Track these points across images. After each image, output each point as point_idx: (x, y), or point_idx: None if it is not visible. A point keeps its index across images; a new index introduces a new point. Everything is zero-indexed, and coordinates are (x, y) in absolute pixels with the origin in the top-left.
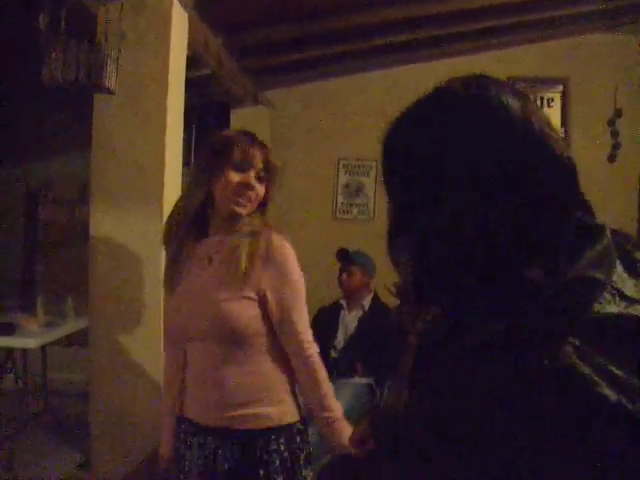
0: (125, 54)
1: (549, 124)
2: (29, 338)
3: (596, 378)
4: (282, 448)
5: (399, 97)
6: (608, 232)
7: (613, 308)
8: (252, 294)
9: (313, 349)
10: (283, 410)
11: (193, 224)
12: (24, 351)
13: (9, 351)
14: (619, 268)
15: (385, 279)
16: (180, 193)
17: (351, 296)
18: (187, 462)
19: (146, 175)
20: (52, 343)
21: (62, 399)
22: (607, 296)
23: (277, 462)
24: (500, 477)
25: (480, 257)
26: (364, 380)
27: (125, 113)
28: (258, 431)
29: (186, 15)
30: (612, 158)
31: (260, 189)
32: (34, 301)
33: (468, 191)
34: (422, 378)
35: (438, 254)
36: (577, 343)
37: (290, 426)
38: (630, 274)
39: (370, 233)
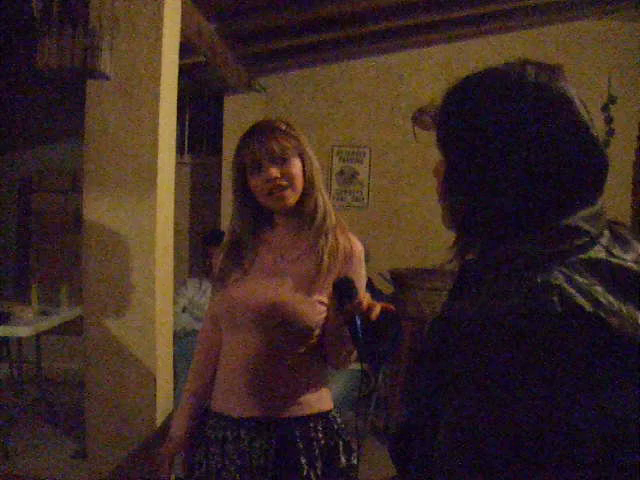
0: (118, 40)
1: (593, 122)
2: (23, 326)
3: (577, 294)
4: (320, 435)
5: (393, 84)
6: (601, 202)
7: (601, 255)
8: (325, 299)
9: None
10: (320, 397)
11: (260, 217)
12: (19, 340)
13: (3, 340)
14: (608, 236)
15: (378, 266)
16: (173, 180)
17: None
18: (217, 457)
19: (139, 162)
20: (47, 332)
21: (57, 388)
22: (598, 248)
23: (317, 450)
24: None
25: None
26: (359, 366)
27: (118, 100)
28: (297, 419)
29: (179, 1)
30: (606, 144)
31: (289, 169)
32: (28, 290)
33: (518, 158)
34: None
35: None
36: (566, 271)
37: (327, 413)
38: (619, 243)
39: (364, 219)
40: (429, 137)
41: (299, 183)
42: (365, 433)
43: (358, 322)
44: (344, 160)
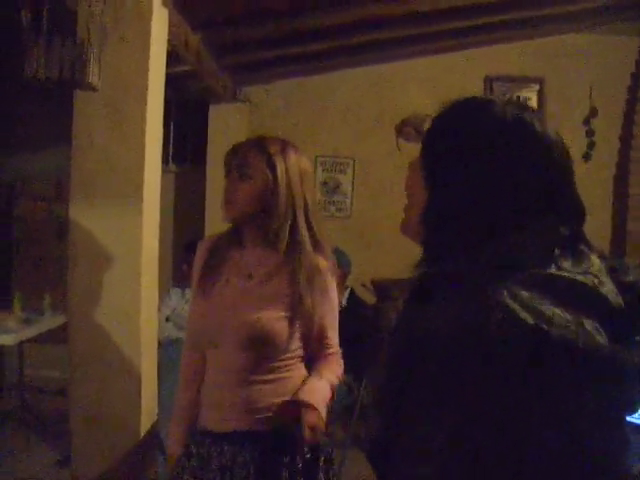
0: (106, 51)
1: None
2: (6, 335)
3: (520, 308)
4: (306, 450)
5: (377, 95)
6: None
7: (549, 270)
8: (292, 313)
9: (339, 354)
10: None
11: (233, 234)
12: (1, 348)
13: None
14: (558, 252)
15: (361, 275)
16: (159, 190)
17: None
18: (198, 471)
19: (125, 172)
20: (29, 340)
21: (39, 396)
22: (547, 263)
23: (300, 464)
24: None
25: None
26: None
27: (105, 111)
28: (283, 431)
29: (166, 11)
30: (587, 157)
31: (241, 188)
32: (11, 297)
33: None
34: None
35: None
36: (512, 287)
37: None
38: (573, 258)
39: (348, 230)
40: (412, 148)
41: (243, 204)
42: (348, 443)
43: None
44: (328, 171)
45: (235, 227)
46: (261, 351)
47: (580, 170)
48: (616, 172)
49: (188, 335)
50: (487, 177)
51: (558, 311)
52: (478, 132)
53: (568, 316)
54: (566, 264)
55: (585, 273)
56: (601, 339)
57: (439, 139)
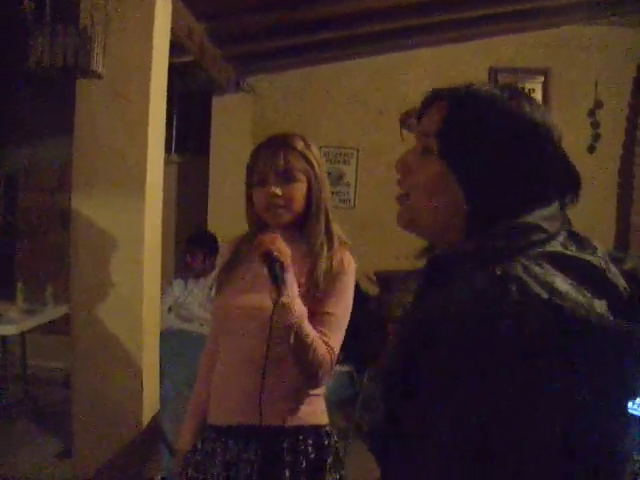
0: (109, 39)
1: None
2: (8, 325)
3: (534, 283)
4: (310, 450)
5: (382, 85)
6: (557, 205)
7: (558, 249)
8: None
9: (332, 354)
10: (314, 410)
11: (257, 233)
12: (3, 338)
13: None
14: (565, 235)
15: (365, 267)
16: (162, 180)
17: None
18: (201, 466)
19: (128, 162)
20: (32, 330)
21: (42, 386)
22: (554, 243)
23: (303, 464)
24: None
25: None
26: (345, 368)
27: (108, 99)
28: (287, 429)
29: (170, 0)
30: (592, 149)
31: (291, 190)
32: (13, 288)
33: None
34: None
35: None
36: (525, 262)
37: (319, 427)
38: (574, 243)
39: (351, 221)
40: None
41: (297, 205)
42: (350, 434)
43: (274, 261)
44: (331, 161)
45: (259, 226)
46: (277, 340)
47: (585, 162)
48: (621, 165)
49: (212, 334)
50: (501, 163)
51: (570, 289)
52: (491, 122)
53: (580, 296)
54: (571, 247)
55: (594, 254)
56: (611, 318)
57: (466, 133)
